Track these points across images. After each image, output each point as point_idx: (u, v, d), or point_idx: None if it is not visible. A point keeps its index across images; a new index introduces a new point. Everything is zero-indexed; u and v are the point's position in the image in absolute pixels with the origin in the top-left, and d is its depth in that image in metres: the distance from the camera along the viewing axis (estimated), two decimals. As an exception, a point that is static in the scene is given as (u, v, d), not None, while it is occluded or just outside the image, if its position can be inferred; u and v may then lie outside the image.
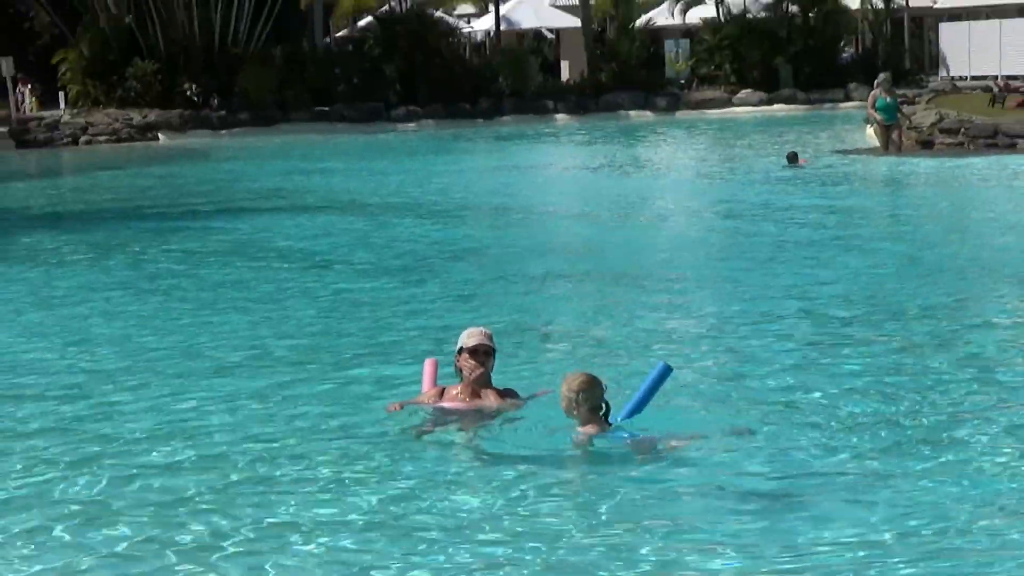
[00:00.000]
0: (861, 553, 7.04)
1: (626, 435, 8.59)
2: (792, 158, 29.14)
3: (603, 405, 8.51)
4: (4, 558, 7.29)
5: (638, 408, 8.86)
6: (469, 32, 56.87)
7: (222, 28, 49.33)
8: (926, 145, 31.58)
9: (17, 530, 7.72)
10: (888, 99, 32.13)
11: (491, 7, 55.26)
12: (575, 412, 8.46)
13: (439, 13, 52.81)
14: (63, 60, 50.93)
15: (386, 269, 18.02)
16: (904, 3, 55.95)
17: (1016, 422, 9.57)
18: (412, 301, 15.46)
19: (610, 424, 8.59)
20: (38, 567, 7.15)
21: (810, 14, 53.62)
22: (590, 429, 8.46)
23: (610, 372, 10.09)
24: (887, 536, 7.21)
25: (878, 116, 32.24)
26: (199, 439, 9.66)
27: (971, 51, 47.42)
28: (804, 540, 7.28)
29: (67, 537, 7.65)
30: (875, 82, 35.70)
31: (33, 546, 7.51)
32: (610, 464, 8.47)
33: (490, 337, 9.60)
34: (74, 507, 8.26)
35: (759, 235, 20.49)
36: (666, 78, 53.71)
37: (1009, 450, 8.80)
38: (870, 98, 33.17)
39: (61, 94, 50.97)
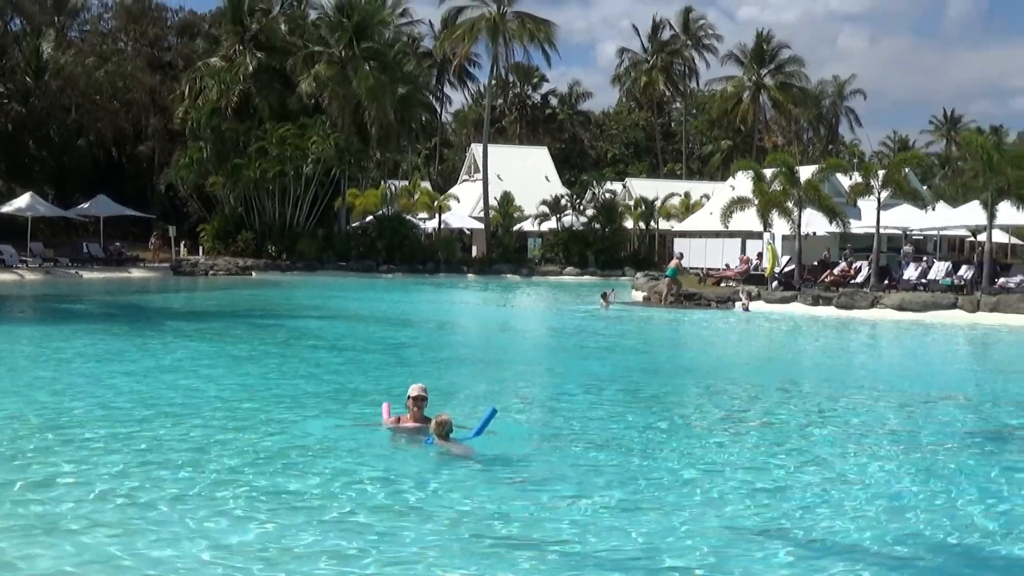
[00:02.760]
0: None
1: (457, 443, 9.05)
2: (604, 296, 29.33)
3: (451, 431, 9.00)
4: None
5: (478, 433, 9.15)
6: (423, 227, 56.83)
7: (290, 217, 49.23)
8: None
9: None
10: (671, 270, 32.37)
11: (436, 215, 55.60)
12: (438, 433, 8.98)
13: (408, 216, 52.92)
14: (203, 229, 50.64)
15: (371, 350, 18.01)
16: (656, 227, 57.52)
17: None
18: (383, 368, 15.56)
19: (454, 440, 9.02)
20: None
21: (606, 229, 54.57)
22: (443, 442, 8.97)
23: (472, 409, 10.46)
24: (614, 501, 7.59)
25: (665, 278, 32.33)
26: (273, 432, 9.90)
27: (690, 253, 48.64)
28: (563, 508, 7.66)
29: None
30: (678, 254, 36.74)
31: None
32: (449, 460, 8.78)
33: (424, 389, 9.70)
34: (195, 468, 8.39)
35: (573, 343, 20.72)
36: (528, 258, 54.25)
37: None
38: (673, 262, 33.10)
39: (200, 248, 50.46)
